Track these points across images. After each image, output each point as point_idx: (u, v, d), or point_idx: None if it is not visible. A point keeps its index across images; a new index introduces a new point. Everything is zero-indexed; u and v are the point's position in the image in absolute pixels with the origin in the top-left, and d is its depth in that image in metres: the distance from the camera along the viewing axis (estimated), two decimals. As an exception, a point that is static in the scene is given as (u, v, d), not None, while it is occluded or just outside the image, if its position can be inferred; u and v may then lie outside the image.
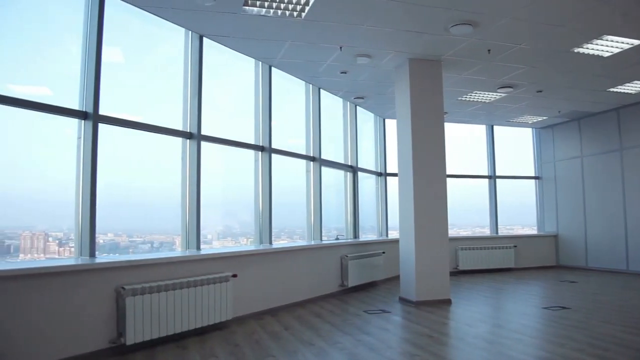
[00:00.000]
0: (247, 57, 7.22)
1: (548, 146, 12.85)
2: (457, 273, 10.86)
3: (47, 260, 4.93)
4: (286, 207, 7.96)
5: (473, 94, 9.41)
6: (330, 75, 8.10)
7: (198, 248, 6.10)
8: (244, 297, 6.07)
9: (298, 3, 5.48)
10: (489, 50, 6.95)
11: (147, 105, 6.04)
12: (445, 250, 7.34)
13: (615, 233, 10.81)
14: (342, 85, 8.78)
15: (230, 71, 7.47)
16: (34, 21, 4.85)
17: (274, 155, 7.53)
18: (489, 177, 12.47)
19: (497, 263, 11.49)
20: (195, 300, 5.20)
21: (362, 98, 9.61)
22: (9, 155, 4.69)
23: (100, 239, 5.12)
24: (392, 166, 10.71)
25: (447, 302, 7.17)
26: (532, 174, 13.17)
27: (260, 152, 7.42)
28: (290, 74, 8.08)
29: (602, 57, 7.19)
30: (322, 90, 8.88)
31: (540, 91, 9.22)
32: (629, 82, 8.75)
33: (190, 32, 6.27)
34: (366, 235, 10.63)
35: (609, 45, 6.81)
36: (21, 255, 4.89)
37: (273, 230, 7.44)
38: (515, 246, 11.77)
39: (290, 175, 8.36)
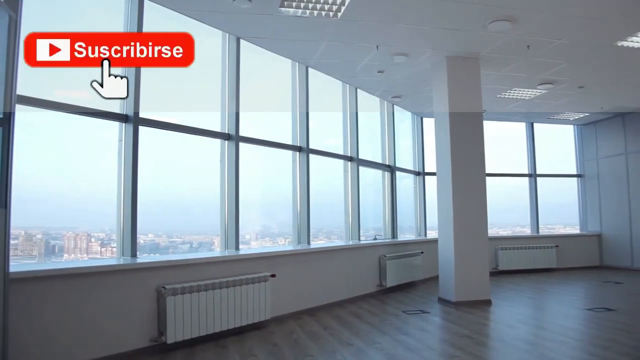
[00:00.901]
0: (284, 58, 7.26)
1: (590, 143, 12.47)
2: (497, 273, 10.65)
3: (91, 260, 5.07)
4: (324, 207, 7.98)
5: (512, 91, 9.22)
6: (367, 75, 8.07)
7: (237, 248, 6.17)
8: (283, 296, 6.10)
9: (334, 3, 5.48)
10: (528, 46, 6.79)
11: (186, 107, 6.12)
12: (484, 250, 7.22)
13: (663, 232, 10.43)
14: (379, 85, 8.75)
15: (268, 72, 7.51)
16: (74, 25, 4.96)
17: (311, 156, 7.56)
18: (529, 175, 12.19)
19: (538, 263, 11.23)
20: (234, 299, 5.26)
21: (399, 97, 9.54)
22: (51, 157, 4.84)
23: (140, 239, 5.23)
24: (430, 165, 10.64)
25: (487, 303, 7.06)
26: (574, 172, 12.80)
27: (297, 153, 7.45)
28: (327, 74, 8.08)
29: (647, 50, 6.95)
30: (359, 90, 8.86)
31: (582, 87, 8.97)
32: (677, 76, 8.41)
33: (227, 34, 6.35)
34: (404, 235, 10.54)
35: (655, 38, 6.57)
36: (65, 255, 5.03)
37: (311, 230, 7.47)
38: (557, 246, 11.47)
39: (327, 176, 8.37)
